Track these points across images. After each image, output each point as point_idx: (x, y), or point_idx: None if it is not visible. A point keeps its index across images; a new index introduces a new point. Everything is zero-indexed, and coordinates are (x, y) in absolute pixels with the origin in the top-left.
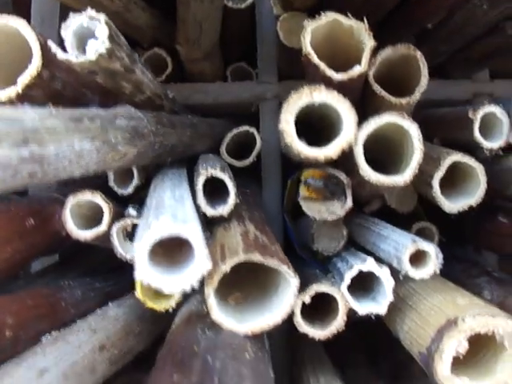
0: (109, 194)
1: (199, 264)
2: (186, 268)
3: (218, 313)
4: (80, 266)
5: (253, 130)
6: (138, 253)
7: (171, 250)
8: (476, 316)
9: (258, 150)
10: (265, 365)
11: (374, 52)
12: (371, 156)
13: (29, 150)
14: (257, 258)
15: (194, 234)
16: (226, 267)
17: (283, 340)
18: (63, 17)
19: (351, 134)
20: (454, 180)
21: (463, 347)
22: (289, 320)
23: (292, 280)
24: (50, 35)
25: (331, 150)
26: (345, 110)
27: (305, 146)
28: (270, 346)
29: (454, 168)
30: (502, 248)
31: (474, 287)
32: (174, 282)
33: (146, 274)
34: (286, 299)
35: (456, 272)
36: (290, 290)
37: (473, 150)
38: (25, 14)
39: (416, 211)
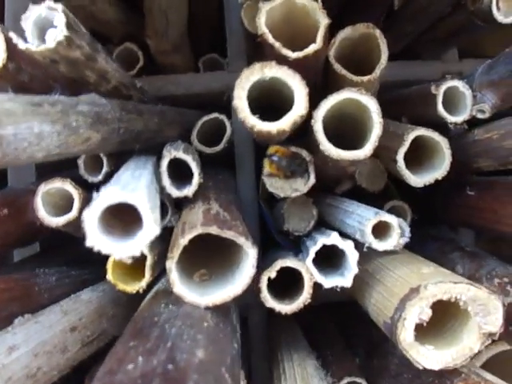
0: (82, 184)
1: (147, 229)
2: (135, 235)
3: (180, 286)
4: (60, 257)
5: (222, 117)
6: (87, 220)
7: (129, 223)
8: (438, 283)
9: (228, 136)
10: (225, 335)
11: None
12: (338, 136)
13: None
14: (214, 230)
15: (140, 200)
16: (184, 240)
17: (262, 324)
18: None
19: (302, 106)
20: (421, 157)
21: (426, 314)
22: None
23: (250, 251)
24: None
25: (283, 123)
26: (295, 83)
27: (257, 120)
28: (249, 330)
29: (420, 145)
30: (472, 221)
31: (447, 263)
32: (123, 248)
33: (97, 240)
34: (246, 270)
35: (429, 250)
36: (249, 261)
37: (439, 126)
38: None
39: (389, 190)
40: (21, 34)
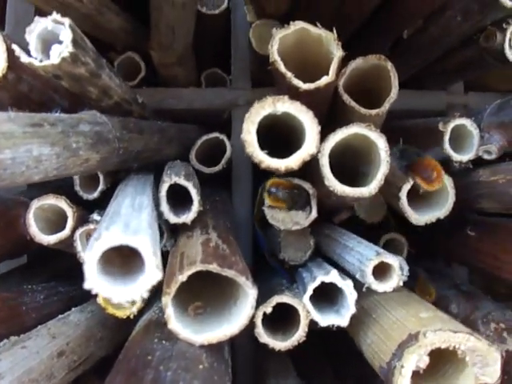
0: (75, 197)
1: (149, 275)
2: (137, 279)
3: (175, 323)
4: (47, 269)
5: (223, 136)
6: (87, 262)
7: (129, 260)
8: (437, 331)
9: (227, 157)
10: (220, 376)
11: (346, 62)
12: (341, 166)
13: None
14: (214, 268)
15: (143, 244)
16: (182, 277)
17: (251, 350)
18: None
19: (313, 145)
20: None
21: (424, 362)
22: None
23: (250, 291)
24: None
25: (292, 161)
26: (307, 120)
27: (266, 156)
28: (237, 357)
29: None
30: (469, 260)
31: (442, 300)
32: (123, 292)
33: (95, 283)
34: (245, 310)
35: None
36: (248, 302)
37: (444, 161)
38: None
39: (387, 222)
40: (21, 39)
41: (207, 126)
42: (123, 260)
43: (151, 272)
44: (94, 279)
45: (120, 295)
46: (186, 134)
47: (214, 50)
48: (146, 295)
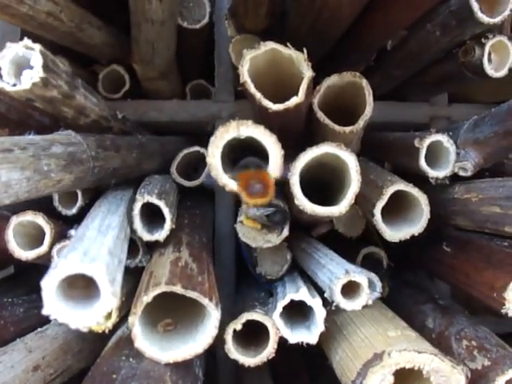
0: (54, 212)
1: (104, 302)
2: (93, 305)
3: (142, 341)
4: (32, 280)
5: (203, 150)
6: (45, 289)
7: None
8: (402, 351)
9: (207, 171)
10: None
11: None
12: (319, 181)
13: None
14: (178, 289)
15: (99, 272)
16: (147, 298)
17: (232, 364)
18: (24, 32)
19: (276, 169)
20: (400, 205)
21: (388, 381)
22: None
23: (213, 312)
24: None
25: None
26: (270, 144)
27: (230, 180)
28: (219, 370)
29: (400, 194)
30: (443, 276)
31: (418, 314)
32: (80, 318)
33: (54, 310)
34: (208, 330)
35: (403, 297)
36: (212, 322)
37: (421, 176)
38: None
39: (369, 235)
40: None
41: (191, 137)
42: (88, 282)
43: (106, 299)
44: (52, 306)
45: (77, 321)
46: (167, 147)
47: (198, 62)
48: (101, 321)
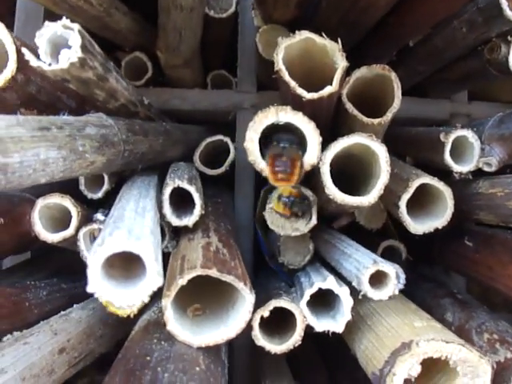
0: (80, 195)
1: (150, 280)
2: (138, 283)
3: (174, 325)
4: (51, 264)
5: (227, 139)
6: (90, 267)
7: (131, 262)
8: (430, 341)
9: (230, 160)
10: (216, 378)
11: (351, 69)
12: (343, 172)
13: None
14: (214, 273)
15: (146, 250)
16: (183, 280)
17: (248, 352)
18: (48, 15)
19: (314, 156)
20: (423, 200)
21: (415, 370)
22: None
23: (248, 296)
24: (34, 33)
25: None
26: (309, 131)
27: (266, 165)
28: (234, 358)
29: (424, 188)
30: (465, 270)
31: (437, 308)
32: (125, 297)
33: (98, 287)
34: (241, 315)
35: (422, 291)
36: (246, 307)
37: (445, 170)
38: (9, 13)
39: (387, 228)
40: (31, 37)
41: (212, 126)
42: (125, 262)
43: (152, 278)
44: (97, 283)
45: (121, 299)
46: (190, 135)
47: (221, 52)
48: (146, 300)
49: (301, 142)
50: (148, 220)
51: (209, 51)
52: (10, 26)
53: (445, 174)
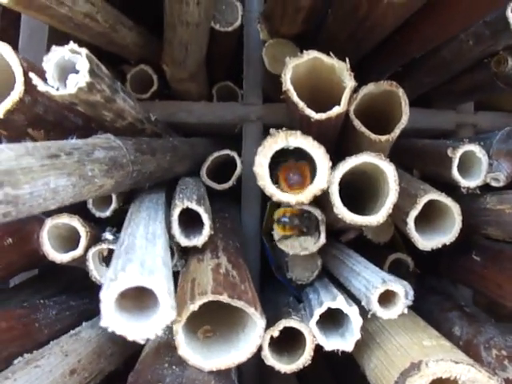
0: (87, 213)
1: (163, 315)
2: (151, 316)
3: (185, 349)
4: (59, 280)
5: (233, 154)
6: (104, 302)
7: (143, 293)
8: (439, 361)
9: (237, 174)
10: None
11: (357, 86)
12: (348, 187)
13: (3, 192)
14: (225, 298)
15: (159, 285)
16: (194, 306)
17: (254, 371)
18: (52, 30)
19: (324, 181)
20: (430, 214)
21: None
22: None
23: (259, 322)
24: (39, 48)
25: (303, 196)
26: (319, 156)
27: (277, 190)
28: (241, 378)
29: (431, 203)
30: (473, 285)
31: (445, 321)
32: (138, 330)
33: (112, 322)
34: (253, 339)
35: (429, 304)
36: (257, 331)
37: (452, 184)
38: (14, 27)
39: (394, 240)
40: (35, 52)
41: (218, 138)
42: (137, 291)
43: (165, 312)
44: (111, 318)
45: (134, 333)
46: (197, 149)
47: (226, 64)
48: (160, 333)
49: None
50: (159, 248)
51: (214, 64)
52: (14, 40)
53: (451, 188)
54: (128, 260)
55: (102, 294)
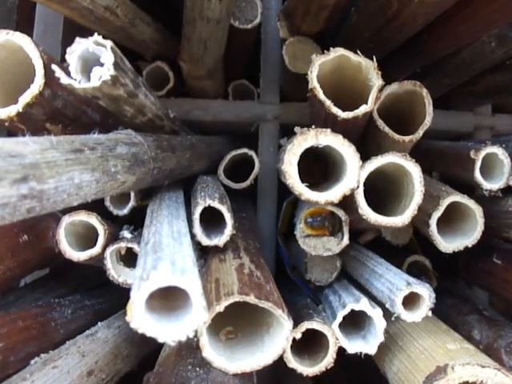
0: (104, 211)
1: (196, 315)
2: (183, 318)
3: (209, 351)
4: (71, 279)
5: (252, 152)
6: (135, 302)
7: (170, 292)
8: (466, 365)
9: (255, 173)
10: None
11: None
12: (372, 189)
13: (28, 186)
14: (252, 299)
15: (192, 285)
16: (220, 307)
17: (269, 372)
18: (67, 25)
19: (354, 180)
20: (451, 216)
21: None
22: None
23: (286, 324)
24: (53, 43)
25: (333, 195)
26: (349, 154)
27: (306, 189)
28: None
29: (452, 205)
30: (493, 288)
31: (463, 325)
32: (169, 332)
33: (142, 323)
34: (279, 341)
35: (446, 307)
36: (283, 333)
37: (472, 186)
38: (29, 21)
39: (411, 243)
40: (50, 45)
41: (235, 137)
42: (164, 290)
43: (198, 313)
44: (141, 319)
45: (165, 334)
46: (214, 147)
47: (243, 62)
48: (191, 335)
49: None
50: (187, 247)
51: (230, 61)
52: (28, 35)
53: (470, 190)
54: (158, 258)
55: (133, 295)
